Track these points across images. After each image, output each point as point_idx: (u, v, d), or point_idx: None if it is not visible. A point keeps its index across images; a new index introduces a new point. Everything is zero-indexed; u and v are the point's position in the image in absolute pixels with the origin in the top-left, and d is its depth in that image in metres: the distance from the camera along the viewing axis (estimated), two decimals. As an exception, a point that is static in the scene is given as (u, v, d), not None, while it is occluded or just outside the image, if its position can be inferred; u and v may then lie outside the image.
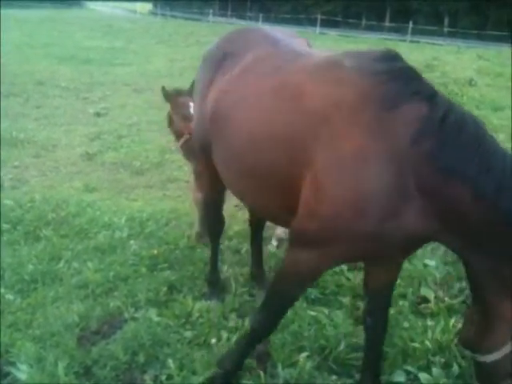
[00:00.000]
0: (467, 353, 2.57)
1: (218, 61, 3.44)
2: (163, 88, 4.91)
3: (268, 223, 4.76)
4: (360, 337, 3.47)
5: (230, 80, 3.20)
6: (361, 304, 3.95)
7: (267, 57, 3.13)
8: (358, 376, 3.20)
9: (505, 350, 2.35)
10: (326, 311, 3.83)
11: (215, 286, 4.21)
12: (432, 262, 4.56)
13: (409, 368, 3.25)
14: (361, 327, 3.58)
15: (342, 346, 3.41)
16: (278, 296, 2.87)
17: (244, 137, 2.89)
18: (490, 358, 2.39)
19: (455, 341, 3.33)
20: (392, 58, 2.53)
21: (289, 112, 2.66)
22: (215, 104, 3.23)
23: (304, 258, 2.62)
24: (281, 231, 5.05)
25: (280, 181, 2.69)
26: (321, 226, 2.47)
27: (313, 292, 4.15)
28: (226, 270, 4.50)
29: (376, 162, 2.30)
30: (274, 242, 5.01)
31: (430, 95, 2.34)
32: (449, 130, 2.23)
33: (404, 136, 2.26)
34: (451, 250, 2.45)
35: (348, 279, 4.33)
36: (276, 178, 2.72)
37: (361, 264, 3.75)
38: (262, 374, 3.21)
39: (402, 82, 2.38)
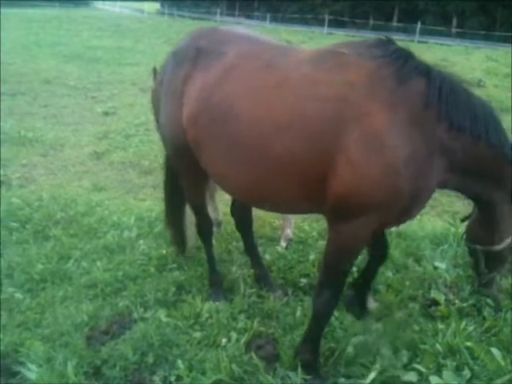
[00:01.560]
0: (478, 247, 3.47)
1: (193, 58, 3.41)
2: (154, 68, 4.85)
3: (273, 224, 4.75)
4: (369, 338, 3.47)
5: (218, 77, 3.20)
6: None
7: (256, 52, 3.24)
8: (365, 381, 3.18)
9: (507, 240, 3.37)
10: (336, 313, 3.80)
11: (219, 286, 4.20)
12: (442, 264, 4.53)
13: (420, 368, 3.23)
14: (369, 327, 3.59)
15: (351, 349, 3.39)
16: (333, 273, 3.10)
17: (257, 130, 2.95)
18: (497, 247, 3.39)
19: (464, 238, 3.70)
20: (386, 43, 2.93)
21: (307, 100, 2.83)
22: (201, 102, 3.21)
23: (349, 232, 2.93)
24: (289, 232, 5.03)
25: (301, 168, 2.87)
26: (364, 200, 2.77)
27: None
28: (234, 271, 4.48)
29: (401, 130, 2.68)
30: (283, 243, 4.99)
31: (426, 70, 2.85)
32: (447, 96, 2.80)
33: (416, 104, 2.73)
34: (453, 189, 3.14)
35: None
36: (297, 166, 2.87)
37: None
38: (270, 376, 3.19)
39: (402, 61, 2.81)
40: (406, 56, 2.86)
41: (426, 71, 2.84)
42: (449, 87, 2.85)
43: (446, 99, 2.79)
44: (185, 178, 3.89)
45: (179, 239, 4.57)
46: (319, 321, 3.25)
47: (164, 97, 3.56)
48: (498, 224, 3.30)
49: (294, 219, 5.17)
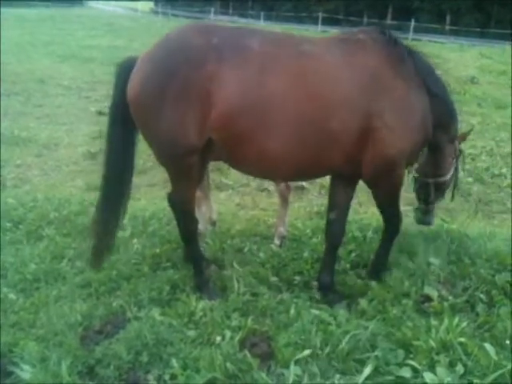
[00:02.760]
0: (430, 180, 4.43)
1: (214, 57, 3.42)
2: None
3: (267, 222, 4.75)
4: (364, 334, 3.47)
5: (254, 69, 3.42)
6: (364, 302, 3.96)
7: (278, 42, 3.63)
8: (359, 378, 3.19)
9: (451, 171, 4.45)
10: (330, 310, 3.82)
11: (209, 285, 4.19)
12: (435, 260, 4.54)
13: (414, 364, 3.24)
14: (364, 325, 3.60)
15: (345, 345, 3.40)
16: (397, 207, 4.24)
17: (311, 110, 3.47)
18: (444, 178, 4.43)
19: (416, 175, 4.50)
20: (385, 31, 3.78)
21: (347, 80, 3.52)
22: (242, 97, 3.40)
23: (394, 176, 3.90)
24: (283, 230, 5.05)
25: (349, 137, 3.57)
26: (400, 155, 3.76)
27: (317, 291, 4.16)
28: (228, 269, 4.48)
29: (415, 96, 3.71)
30: (277, 241, 5.00)
31: (411, 51, 3.85)
32: (427, 70, 3.90)
33: (414, 76, 3.73)
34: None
35: (351, 278, 4.33)
36: (347, 136, 3.57)
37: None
38: (264, 374, 3.20)
39: (400, 44, 3.79)
40: (399, 40, 3.81)
41: (411, 52, 3.86)
42: (425, 63, 3.93)
43: (427, 73, 3.87)
44: (183, 178, 3.85)
45: (105, 247, 4.15)
46: (391, 243, 4.38)
47: (172, 102, 3.45)
48: (445, 159, 4.35)
49: (287, 217, 5.18)
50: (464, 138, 4.46)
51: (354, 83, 3.51)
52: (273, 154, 3.58)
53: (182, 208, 4.03)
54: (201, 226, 5.10)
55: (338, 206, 4.16)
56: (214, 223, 5.34)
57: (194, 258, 4.25)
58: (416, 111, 3.70)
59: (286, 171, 3.83)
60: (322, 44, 3.70)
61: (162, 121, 3.51)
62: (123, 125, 3.84)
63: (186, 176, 3.82)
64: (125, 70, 3.72)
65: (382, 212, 4.26)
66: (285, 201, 5.11)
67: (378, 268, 4.41)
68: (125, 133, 3.89)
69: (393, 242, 4.39)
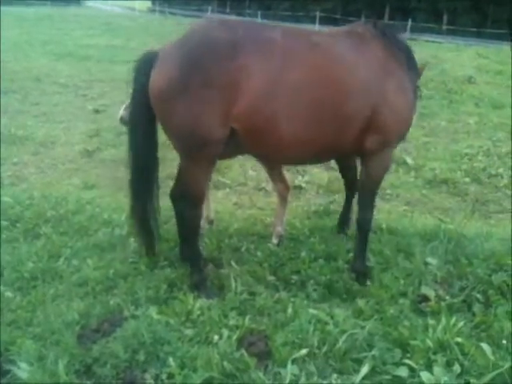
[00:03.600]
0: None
1: (242, 49, 3.63)
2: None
3: (264, 221, 4.76)
4: (361, 334, 3.48)
5: (281, 60, 3.69)
6: (361, 302, 3.96)
7: (296, 35, 3.96)
8: (356, 377, 3.19)
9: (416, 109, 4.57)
10: (327, 309, 3.82)
11: (206, 284, 4.20)
12: (433, 260, 4.56)
13: (411, 363, 3.24)
14: (362, 324, 3.60)
15: (343, 344, 3.40)
16: (376, 189, 4.44)
17: (332, 96, 3.82)
18: None
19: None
20: (384, 26, 4.27)
21: (359, 69, 3.92)
22: (271, 86, 3.66)
23: (388, 155, 4.30)
24: (280, 229, 5.05)
25: (362, 119, 3.95)
26: (397, 134, 4.19)
27: (314, 290, 4.16)
28: (225, 268, 4.48)
29: (408, 78, 4.19)
30: (275, 240, 5.00)
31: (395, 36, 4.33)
32: (408, 55, 4.32)
33: (404, 61, 4.20)
34: None
35: (348, 278, 4.33)
36: (360, 118, 3.95)
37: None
38: (261, 373, 3.19)
39: (393, 35, 4.24)
40: (391, 31, 4.26)
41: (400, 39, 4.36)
42: (408, 48, 4.36)
43: (408, 57, 4.30)
44: (200, 170, 3.97)
45: (149, 239, 4.43)
46: (366, 234, 4.47)
47: (199, 94, 3.59)
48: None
49: (285, 216, 5.18)
50: (421, 73, 4.68)
51: (364, 70, 3.94)
52: (293, 139, 3.87)
53: (192, 202, 4.07)
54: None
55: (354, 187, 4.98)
56: (211, 222, 5.34)
57: (192, 256, 4.26)
58: (409, 91, 4.16)
59: (302, 155, 4.19)
60: (330, 36, 4.09)
61: (189, 113, 3.64)
62: (145, 118, 3.97)
63: (204, 169, 3.96)
64: (145, 65, 3.84)
65: (361, 198, 4.45)
66: (283, 200, 5.11)
67: (357, 267, 4.46)
68: (146, 126, 4.02)
69: (368, 237, 4.51)
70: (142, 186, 4.28)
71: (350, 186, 5.20)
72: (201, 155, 3.86)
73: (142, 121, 4.00)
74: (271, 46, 3.72)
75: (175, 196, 4.19)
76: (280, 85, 3.67)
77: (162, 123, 3.88)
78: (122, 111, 4.95)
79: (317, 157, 4.41)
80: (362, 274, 4.40)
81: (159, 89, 3.67)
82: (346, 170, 5.17)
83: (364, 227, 4.44)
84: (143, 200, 4.29)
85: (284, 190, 5.07)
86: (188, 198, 4.06)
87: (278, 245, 4.95)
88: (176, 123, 3.74)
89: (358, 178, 4.64)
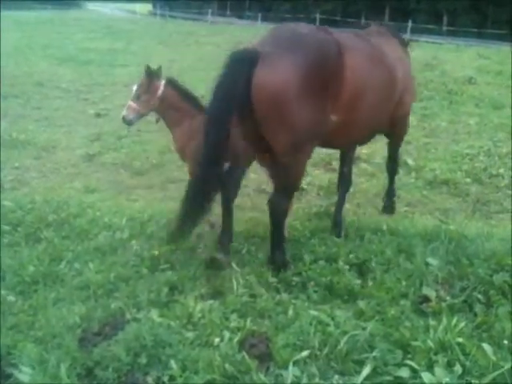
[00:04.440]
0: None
1: (340, 50, 4.08)
2: (148, 66, 5.00)
3: (266, 223, 4.80)
4: (362, 335, 3.48)
5: (364, 58, 4.38)
6: (362, 303, 3.96)
7: (359, 37, 4.77)
8: (358, 378, 3.19)
9: None
10: (329, 310, 3.82)
11: (288, 264, 4.53)
12: (434, 261, 4.55)
13: (412, 364, 3.24)
14: (363, 325, 3.60)
15: (344, 346, 3.40)
16: (399, 150, 6.12)
17: (388, 85, 4.72)
18: None
19: None
20: (387, 26, 5.94)
21: (396, 62, 4.90)
22: (362, 80, 4.26)
23: (407, 124, 5.81)
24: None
25: (395, 101, 4.98)
26: (410, 106, 5.60)
27: (315, 292, 4.16)
28: (226, 270, 4.49)
29: (408, 62, 5.48)
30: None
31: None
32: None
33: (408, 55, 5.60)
34: None
35: (349, 279, 4.33)
36: (395, 100, 4.98)
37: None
38: (263, 375, 3.20)
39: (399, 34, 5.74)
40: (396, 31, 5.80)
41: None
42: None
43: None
44: (302, 165, 4.35)
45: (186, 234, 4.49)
46: (393, 178, 6.22)
47: (313, 92, 3.93)
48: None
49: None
50: None
51: (398, 61, 4.93)
52: (364, 124, 4.61)
53: (292, 194, 4.48)
54: (200, 228, 5.11)
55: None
56: (213, 226, 5.34)
57: (280, 241, 4.51)
58: (411, 73, 5.43)
59: (362, 139, 5.22)
60: (372, 36, 5.01)
61: (306, 110, 3.92)
62: (230, 114, 4.03)
63: (306, 161, 4.34)
64: (244, 64, 3.90)
65: (391, 155, 6.01)
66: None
67: (390, 199, 6.15)
68: (230, 121, 4.05)
69: (394, 178, 6.13)
70: (209, 180, 4.23)
71: (345, 181, 5.67)
72: (308, 149, 4.24)
73: (228, 116, 4.03)
74: (358, 46, 4.47)
75: (276, 202, 4.35)
76: (368, 79, 4.35)
77: (270, 122, 3.96)
78: (124, 111, 4.98)
79: (366, 139, 5.33)
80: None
81: (275, 89, 3.81)
82: (346, 164, 5.63)
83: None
84: (206, 192, 4.27)
85: None
86: (289, 192, 4.39)
87: None
88: (291, 121, 3.93)
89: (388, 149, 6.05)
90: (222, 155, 4.20)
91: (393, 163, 6.05)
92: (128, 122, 5.07)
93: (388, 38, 5.24)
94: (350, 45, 4.25)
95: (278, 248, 4.50)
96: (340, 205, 5.56)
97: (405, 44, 5.63)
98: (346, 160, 5.60)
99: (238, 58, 3.98)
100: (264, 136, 4.07)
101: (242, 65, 3.91)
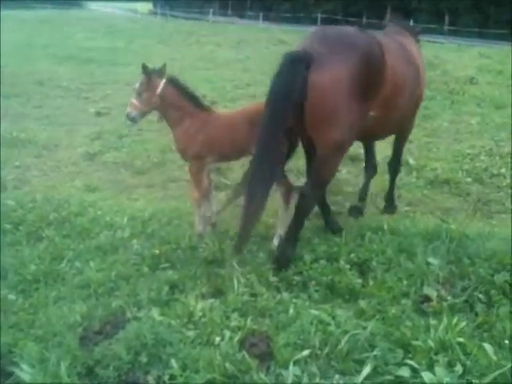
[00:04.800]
0: None
1: (382, 50, 4.44)
2: (144, 64, 5.01)
3: (267, 222, 4.78)
4: (363, 334, 3.48)
5: (397, 57, 4.77)
6: (363, 302, 3.96)
7: (390, 38, 5.13)
8: (358, 378, 3.19)
9: None
10: (329, 310, 3.82)
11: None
12: (435, 260, 4.55)
13: (413, 363, 3.24)
14: (364, 325, 3.60)
15: (345, 345, 3.40)
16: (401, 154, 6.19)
17: (413, 81, 5.05)
18: None
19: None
20: (408, 26, 6.32)
21: (418, 59, 5.36)
22: (398, 77, 4.67)
23: (414, 119, 5.95)
24: (282, 231, 5.04)
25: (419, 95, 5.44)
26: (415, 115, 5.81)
27: (316, 291, 4.16)
28: (227, 270, 4.49)
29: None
30: (276, 242, 5.00)
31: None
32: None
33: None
34: None
35: (350, 278, 4.32)
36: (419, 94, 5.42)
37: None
38: (263, 374, 3.20)
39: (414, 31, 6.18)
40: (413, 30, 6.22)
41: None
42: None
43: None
44: (341, 157, 4.66)
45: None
46: (396, 174, 6.30)
47: (364, 91, 4.26)
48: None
49: (288, 218, 5.16)
50: None
51: (420, 60, 5.36)
52: (395, 120, 5.03)
53: (324, 186, 4.90)
54: (200, 228, 5.12)
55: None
56: (213, 225, 5.34)
57: (296, 233, 4.68)
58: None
59: (388, 134, 5.58)
60: (397, 35, 5.40)
61: (352, 108, 4.26)
62: (287, 113, 4.25)
63: (342, 158, 4.67)
64: (298, 65, 4.19)
65: (397, 153, 6.05)
66: (286, 202, 5.09)
67: (391, 199, 6.20)
68: (286, 119, 4.27)
69: (397, 173, 6.21)
70: (264, 180, 4.33)
71: (373, 170, 6.32)
72: (347, 145, 4.57)
73: (285, 113, 4.23)
74: (393, 46, 4.82)
75: (309, 187, 4.55)
76: (402, 77, 4.75)
77: (320, 119, 4.25)
78: (128, 108, 5.00)
79: (391, 133, 5.68)
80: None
81: (329, 88, 4.14)
82: (373, 156, 6.33)
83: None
84: (263, 193, 4.38)
85: (287, 192, 5.05)
86: (322, 185, 4.76)
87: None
88: (340, 118, 4.25)
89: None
90: (278, 152, 4.40)
91: (397, 162, 6.07)
92: (131, 119, 5.09)
93: (407, 37, 5.56)
94: (387, 45, 4.58)
95: (292, 240, 4.64)
96: (364, 190, 6.29)
97: (418, 43, 5.98)
98: (373, 152, 6.32)
99: (293, 59, 4.23)
100: (310, 132, 4.40)
101: (297, 66, 4.17)
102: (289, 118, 4.25)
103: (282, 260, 4.53)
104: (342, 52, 4.20)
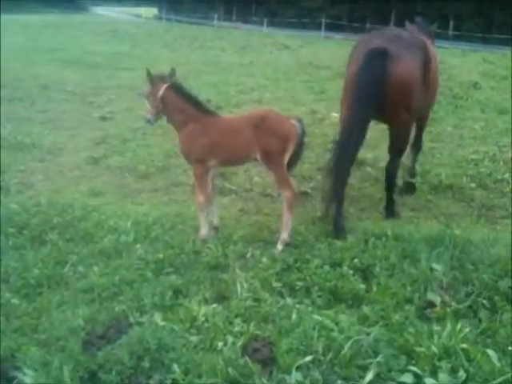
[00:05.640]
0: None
1: (429, 49, 5.89)
2: (147, 69, 5.16)
3: (270, 227, 4.78)
4: (366, 340, 3.47)
5: (434, 55, 6.15)
6: (366, 308, 3.95)
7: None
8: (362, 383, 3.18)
9: None
10: (333, 315, 3.81)
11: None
12: (438, 266, 4.53)
13: (416, 370, 3.23)
14: (367, 330, 3.59)
15: (348, 351, 3.39)
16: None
17: (436, 77, 6.25)
18: None
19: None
20: (426, 27, 7.38)
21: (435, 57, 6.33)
22: (434, 70, 6.06)
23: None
24: (286, 236, 5.04)
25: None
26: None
27: (319, 296, 4.15)
28: (230, 275, 4.49)
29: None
30: (280, 246, 5.00)
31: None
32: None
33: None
34: None
35: (353, 284, 4.32)
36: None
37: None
38: (266, 379, 3.19)
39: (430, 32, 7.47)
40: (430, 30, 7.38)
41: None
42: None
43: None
44: (410, 131, 6.16)
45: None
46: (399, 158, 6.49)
47: (427, 81, 5.75)
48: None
49: (291, 223, 5.16)
50: None
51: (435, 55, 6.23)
52: (430, 104, 6.60)
53: (401, 157, 6.12)
54: (203, 231, 5.12)
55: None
56: (216, 229, 5.35)
57: (392, 194, 6.12)
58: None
59: (423, 115, 6.77)
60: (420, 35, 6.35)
61: (419, 93, 5.63)
62: (374, 103, 5.41)
63: (411, 131, 6.18)
64: (378, 60, 5.35)
65: (419, 136, 7.29)
66: (290, 207, 5.09)
67: (413, 173, 7.26)
68: (373, 108, 5.45)
69: (419, 151, 7.41)
70: (347, 163, 5.51)
71: (419, 147, 7.40)
72: (413, 122, 6.14)
73: (374, 98, 5.36)
74: (428, 46, 5.92)
75: (392, 158, 5.96)
76: (436, 69, 6.12)
77: (398, 103, 5.46)
78: (145, 112, 5.23)
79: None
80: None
81: (406, 77, 5.40)
82: (420, 135, 7.35)
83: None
84: (345, 172, 5.52)
85: (290, 196, 5.05)
86: (401, 153, 6.05)
87: (282, 251, 4.95)
88: (414, 99, 5.56)
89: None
90: (366, 128, 5.52)
91: (419, 141, 7.29)
92: (147, 122, 5.30)
93: (427, 38, 6.43)
94: (429, 46, 5.98)
95: (392, 200, 6.13)
96: (414, 166, 7.33)
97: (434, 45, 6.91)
98: (422, 131, 7.34)
99: (376, 53, 5.37)
100: (387, 114, 5.61)
101: (380, 59, 5.34)
102: (376, 100, 5.35)
103: (392, 214, 6.12)
104: (409, 49, 5.52)
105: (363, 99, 5.34)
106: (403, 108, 5.50)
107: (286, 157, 4.95)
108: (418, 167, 7.88)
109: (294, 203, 5.12)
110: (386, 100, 5.35)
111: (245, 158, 5.14)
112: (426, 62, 5.58)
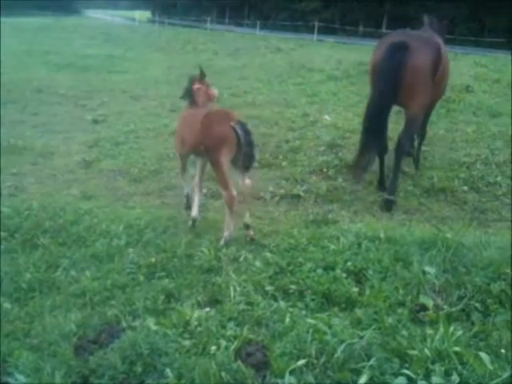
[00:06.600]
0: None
1: (441, 48, 6.82)
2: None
3: (262, 231, 4.76)
4: (359, 343, 3.46)
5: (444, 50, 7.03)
6: (359, 311, 3.95)
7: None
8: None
9: None
10: (326, 319, 3.80)
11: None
12: (431, 269, 4.53)
13: (409, 373, 3.22)
14: (360, 334, 3.59)
15: (341, 354, 3.39)
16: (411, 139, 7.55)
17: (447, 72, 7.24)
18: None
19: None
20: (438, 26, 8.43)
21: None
22: (444, 64, 6.84)
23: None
24: (228, 234, 5.24)
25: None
26: None
27: (312, 300, 4.15)
28: (223, 278, 4.47)
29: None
30: (222, 243, 5.09)
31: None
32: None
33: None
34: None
35: (346, 287, 4.31)
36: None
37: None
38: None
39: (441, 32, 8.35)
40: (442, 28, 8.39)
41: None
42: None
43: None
44: (423, 113, 7.17)
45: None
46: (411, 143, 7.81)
47: (439, 70, 6.65)
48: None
49: (233, 223, 5.27)
50: None
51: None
52: (440, 95, 7.64)
53: (414, 136, 7.59)
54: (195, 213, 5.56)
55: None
56: (194, 221, 5.68)
57: (399, 171, 6.83)
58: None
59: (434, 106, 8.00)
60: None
61: (432, 83, 6.56)
62: (394, 91, 6.44)
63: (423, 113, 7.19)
64: (400, 52, 6.36)
65: (425, 122, 8.16)
66: (229, 207, 5.28)
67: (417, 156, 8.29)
68: (393, 95, 6.50)
69: (424, 137, 8.55)
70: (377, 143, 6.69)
71: (424, 133, 8.46)
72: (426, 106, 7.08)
73: (396, 83, 6.33)
74: (441, 43, 6.89)
75: (403, 136, 6.69)
76: (446, 63, 6.93)
77: (415, 92, 6.45)
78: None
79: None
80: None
81: (424, 67, 6.38)
82: (425, 123, 8.29)
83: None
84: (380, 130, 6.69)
85: (227, 197, 5.18)
86: (414, 132, 7.32)
87: (224, 246, 5.10)
88: (428, 88, 6.54)
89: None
90: (386, 123, 6.71)
91: (424, 128, 8.28)
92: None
93: (439, 38, 7.28)
94: (439, 41, 6.93)
95: (397, 177, 6.77)
96: (419, 147, 8.38)
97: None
98: (427, 119, 8.22)
99: (397, 46, 6.38)
100: (404, 99, 6.52)
101: (401, 51, 6.33)
102: (398, 86, 6.32)
103: (393, 191, 6.68)
104: (425, 45, 6.51)
105: (385, 84, 6.43)
106: (418, 92, 6.45)
107: (225, 157, 5.08)
108: (409, 171, 7.92)
109: (232, 204, 5.26)
110: (404, 84, 6.32)
111: (197, 150, 5.41)
112: (439, 57, 6.50)
